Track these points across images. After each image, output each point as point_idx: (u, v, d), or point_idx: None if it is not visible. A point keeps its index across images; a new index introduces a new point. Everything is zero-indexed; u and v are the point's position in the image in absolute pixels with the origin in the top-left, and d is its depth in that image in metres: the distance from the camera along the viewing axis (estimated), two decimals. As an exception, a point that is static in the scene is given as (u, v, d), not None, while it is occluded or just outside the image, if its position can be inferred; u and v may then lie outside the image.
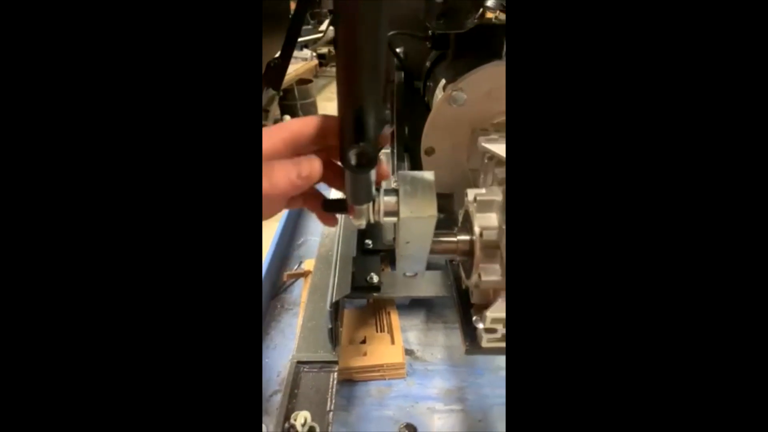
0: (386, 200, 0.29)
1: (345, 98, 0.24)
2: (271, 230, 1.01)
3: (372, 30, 0.21)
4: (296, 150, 0.28)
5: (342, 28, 0.21)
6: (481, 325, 0.32)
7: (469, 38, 0.46)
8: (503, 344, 0.33)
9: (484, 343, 0.33)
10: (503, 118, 0.36)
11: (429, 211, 0.28)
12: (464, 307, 0.36)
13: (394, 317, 0.83)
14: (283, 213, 1.08)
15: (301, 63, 3.25)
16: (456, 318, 0.84)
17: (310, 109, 3.14)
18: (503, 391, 0.72)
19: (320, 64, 4.03)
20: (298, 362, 0.66)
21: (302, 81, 3.20)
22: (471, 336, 0.35)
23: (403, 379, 0.75)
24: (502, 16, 0.46)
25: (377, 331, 0.80)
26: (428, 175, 0.31)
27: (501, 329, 0.32)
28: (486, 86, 0.36)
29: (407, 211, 0.28)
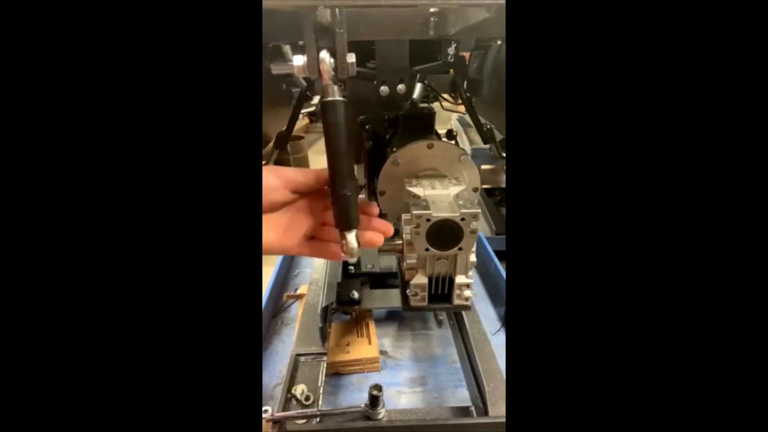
0: None
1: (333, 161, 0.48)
2: (271, 265, 1.24)
3: (340, 128, 0.45)
4: (295, 189, 0.45)
5: (325, 125, 0.46)
6: (408, 291, 0.55)
7: (409, 121, 0.71)
8: (423, 303, 0.56)
9: (412, 303, 0.56)
10: (423, 172, 0.61)
11: (374, 222, 0.53)
12: (403, 285, 0.59)
13: (372, 326, 1.04)
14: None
15: (294, 122, 3.60)
16: (420, 326, 1.06)
17: (301, 162, 3.44)
18: (455, 377, 0.93)
19: (311, 120, 4.39)
20: (297, 354, 0.86)
21: (295, 137, 3.53)
22: (406, 300, 0.58)
23: (378, 372, 0.96)
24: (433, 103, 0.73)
25: (358, 337, 1.02)
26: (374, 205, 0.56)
27: (420, 293, 0.55)
28: (412, 155, 0.61)
29: (363, 222, 0.53)
